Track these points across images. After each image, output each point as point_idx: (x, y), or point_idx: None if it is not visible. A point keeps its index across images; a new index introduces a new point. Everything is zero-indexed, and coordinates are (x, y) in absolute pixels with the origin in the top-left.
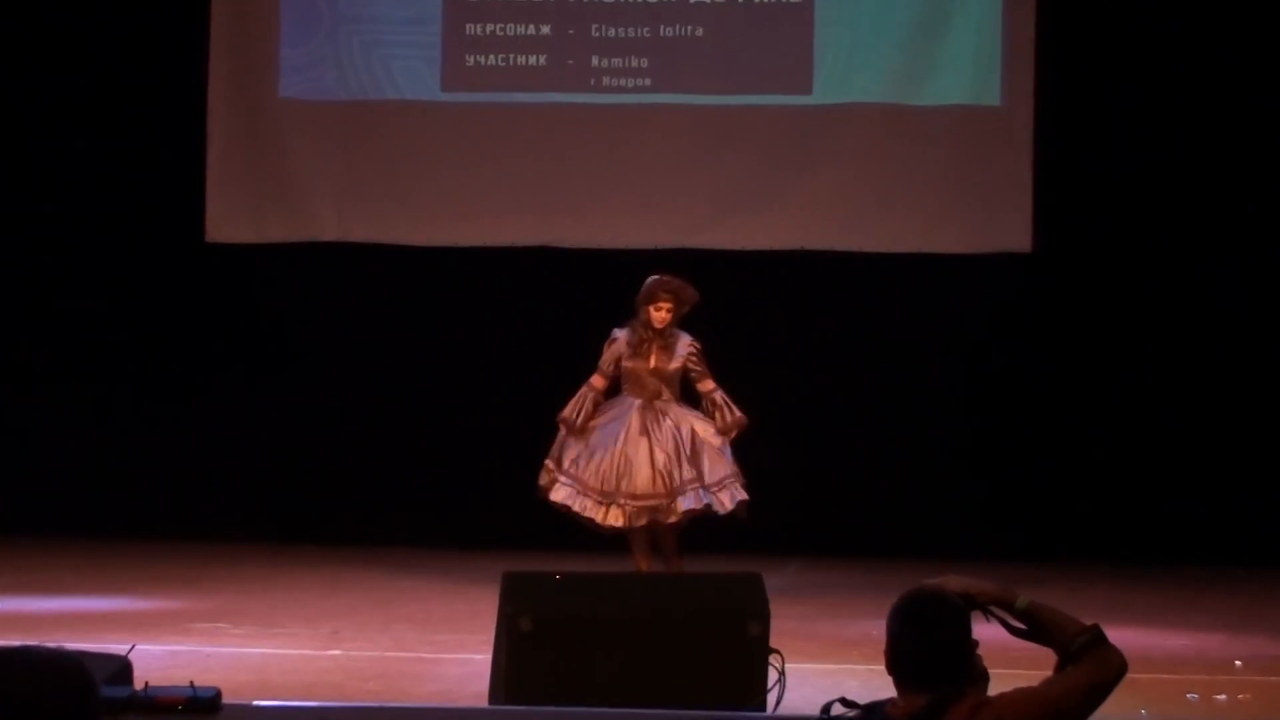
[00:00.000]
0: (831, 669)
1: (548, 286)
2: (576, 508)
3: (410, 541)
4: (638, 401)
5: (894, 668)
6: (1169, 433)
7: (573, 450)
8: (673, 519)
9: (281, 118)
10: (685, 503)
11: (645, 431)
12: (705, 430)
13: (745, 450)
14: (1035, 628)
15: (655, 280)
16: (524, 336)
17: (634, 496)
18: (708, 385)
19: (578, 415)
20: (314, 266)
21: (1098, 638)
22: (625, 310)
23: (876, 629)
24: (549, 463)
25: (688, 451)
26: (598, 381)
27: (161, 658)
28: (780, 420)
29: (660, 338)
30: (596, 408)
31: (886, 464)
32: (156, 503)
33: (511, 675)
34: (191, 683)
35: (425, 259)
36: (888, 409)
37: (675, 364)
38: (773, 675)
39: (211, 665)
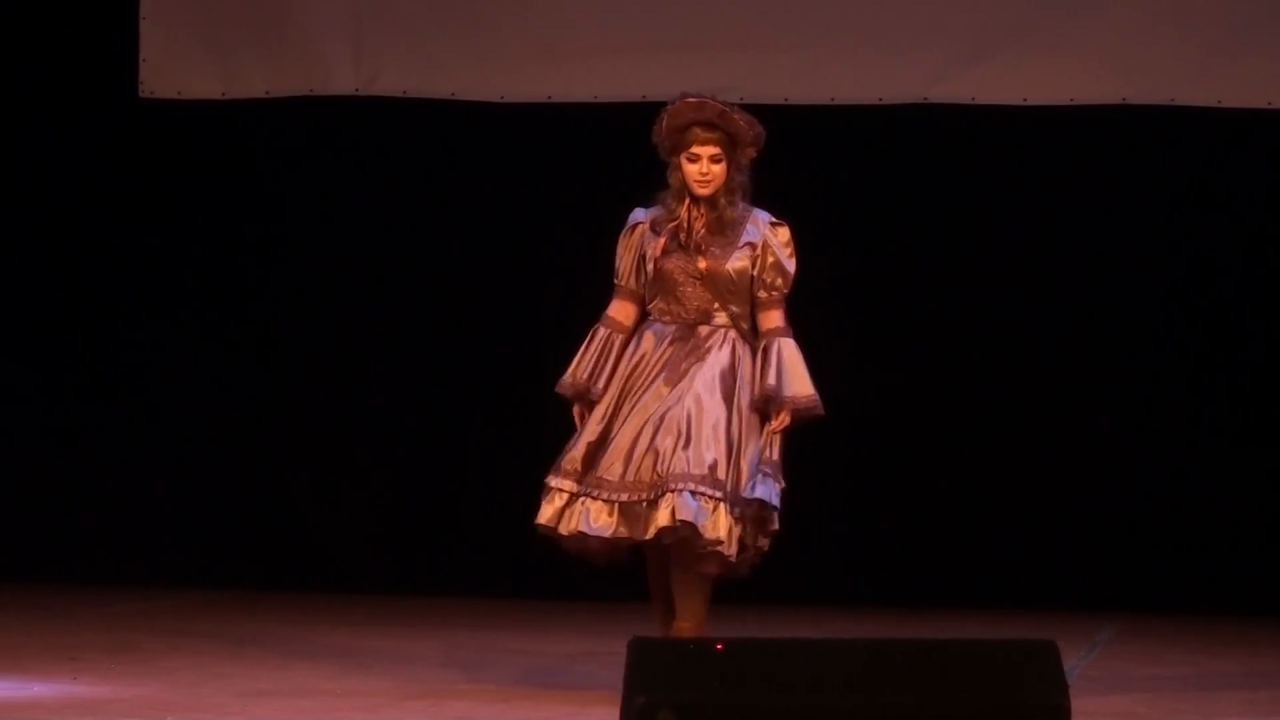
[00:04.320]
0: None
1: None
2: (612, 530)
3: (470, 588)
4: (669, 332)
5: None
6: None
7: (585, 439)
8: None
9: None
10: (683, 509)
11: (676, 381)
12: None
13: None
14: None
15: (684, 101)
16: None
17: (620, 486)
18: (774, 320)
19: (590, 373)
20: (316, 135)
21: None
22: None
23: None
24: (552, 479)
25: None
26: (619, 310)
27: None
28: (1066, 381)
29: (711, 210)
30: (622, 353)
31: (1246, 464)
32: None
33: None
34: None
35: (491, 120)
36: (1247, 376)
37: (739, 261)
38: None
39: None
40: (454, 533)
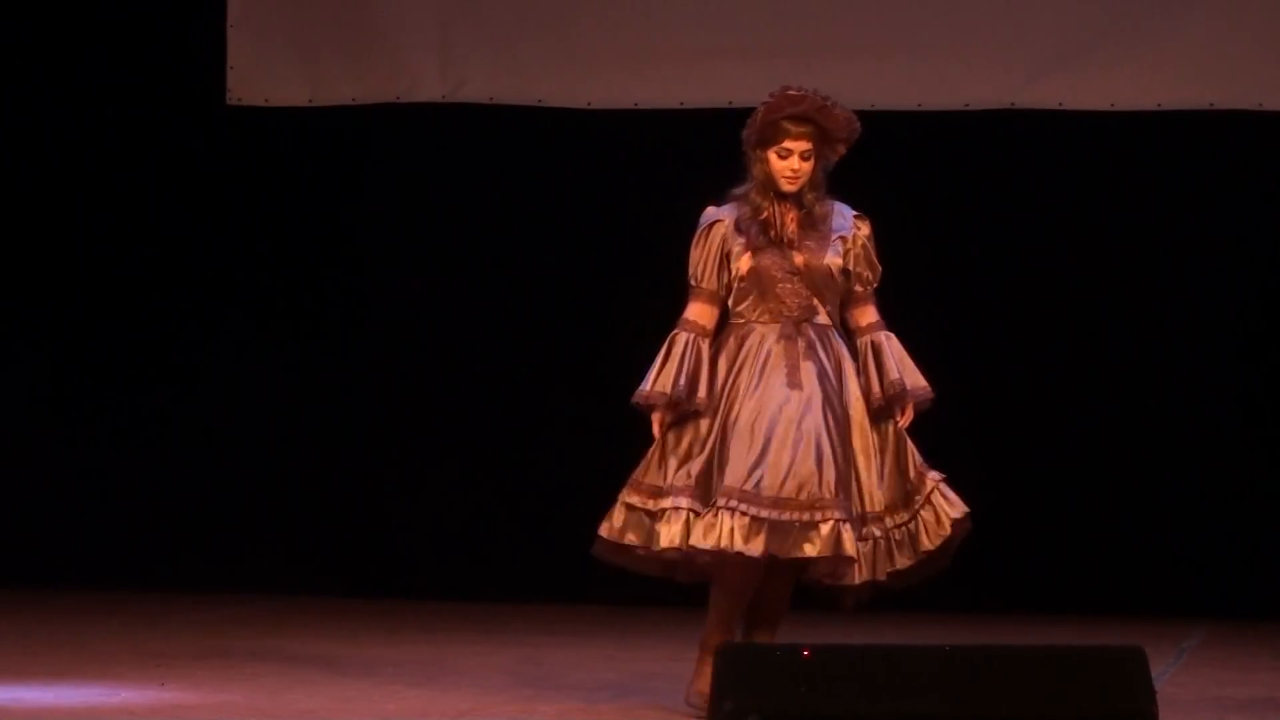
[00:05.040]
0: None
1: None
2: (711, 541)
3: (560, 593)
4: (773, 332)
5: None
6: None
7: (677, 451)
8: (817, 552)
9: None
10: (849, 543)
11: (799, 383)
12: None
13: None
14: None
15: (784, 94)
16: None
17: (772, 502)
18: (871, 314)
19: (682, 381)
20: (400, 142)
21: None
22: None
23: None
24: (628, 494)
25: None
26: (700, 313)
27: None
28: (1159, 386)
29: (798, 206)
30: (713, 358)
31: None
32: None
33: None
34: None
35: (580, 127)
36: None
37: (835, 256)
38: None
39: None
40: (536, 539)
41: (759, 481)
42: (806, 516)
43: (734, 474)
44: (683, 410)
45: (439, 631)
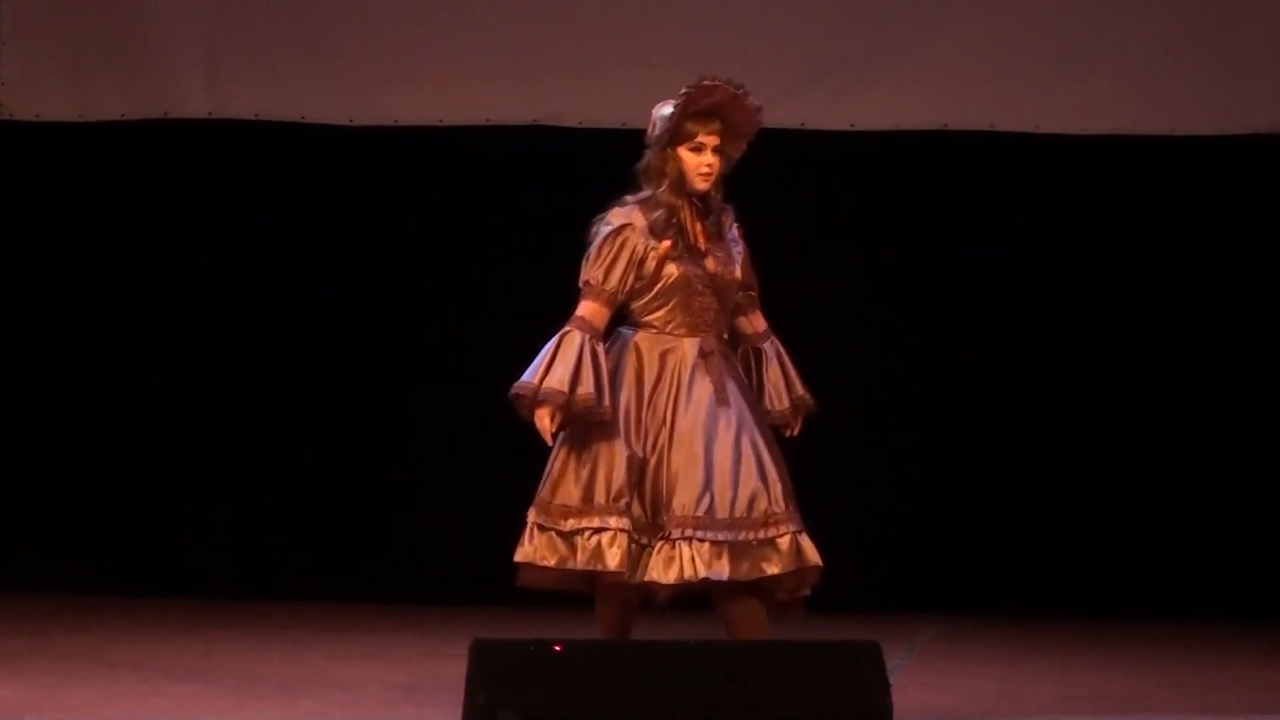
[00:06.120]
0: None
1: (533, 179)
2: (673, 576)
3: (329, 592)
4: (692, 347)
5: None
6: None
7: (589, 466)
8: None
9: None
10: (814, 552)
11: (726, 399)
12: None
13: (820, 453)
14: None
15: (695, 88)
16: (495, 260)
17: (727, 524)
18: (761, 320)
19: (585, 386)
20: (168, 157)
21: None
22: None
23: None
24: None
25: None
26: (596, 314)
27: None
28: (893, 404)
29: (708, 212)
30: (611, 364)
31: (1067, 477)
32: None
33: None
34: None
35: (345, 143)
36: (1066, 384)
37: (737, 269)
38: None
39: None
40: (307, 538)
41: (709, 506)
42: (762, 534)
43: (682, 503)
44: (582, 416)
45: (209, 630)
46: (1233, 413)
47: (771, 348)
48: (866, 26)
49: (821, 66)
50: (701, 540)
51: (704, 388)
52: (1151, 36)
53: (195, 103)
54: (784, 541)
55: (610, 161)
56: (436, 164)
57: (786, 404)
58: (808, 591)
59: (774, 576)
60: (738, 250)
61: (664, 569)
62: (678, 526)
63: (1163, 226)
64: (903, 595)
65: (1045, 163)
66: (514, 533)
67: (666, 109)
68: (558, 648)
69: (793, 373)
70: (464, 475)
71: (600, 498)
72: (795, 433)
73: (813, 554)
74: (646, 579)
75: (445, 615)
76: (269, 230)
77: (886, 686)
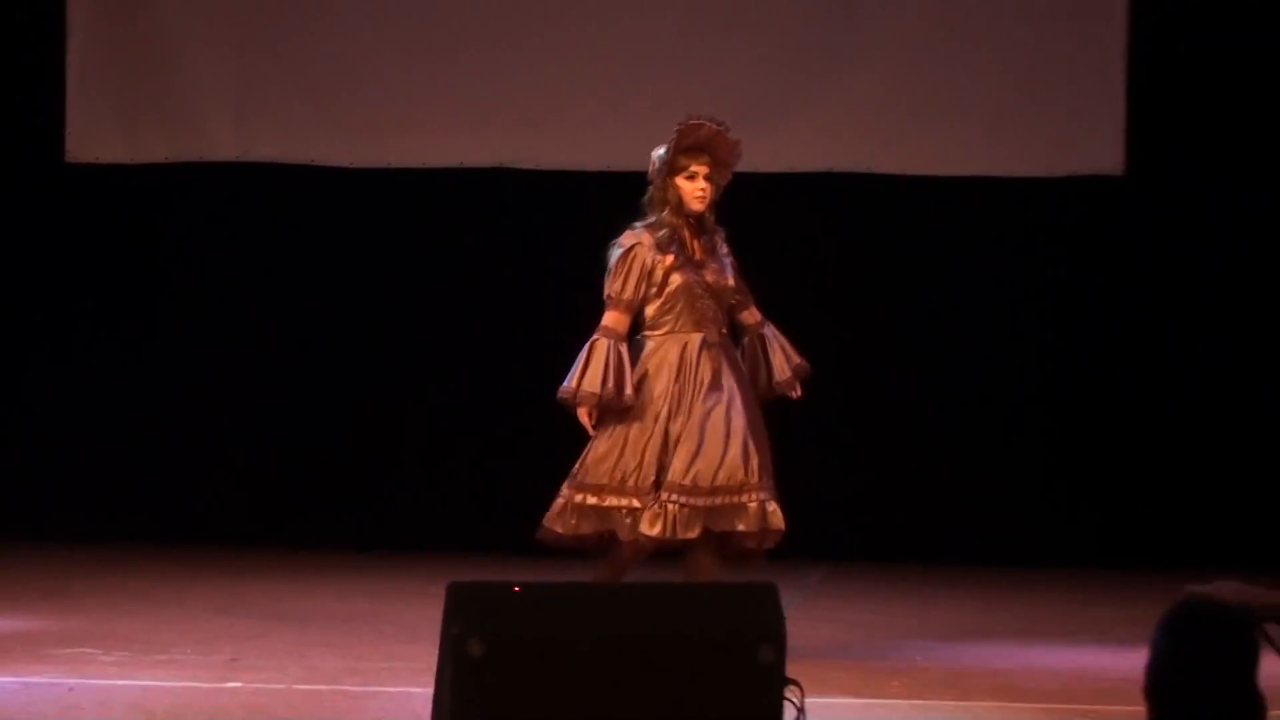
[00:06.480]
0: (865, 704)
1: (504, 217)
2: (657, 530)
3: (332, 542)
4: (697, 341)
5: (1155, 694)
6: None
7: (605, 444)
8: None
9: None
10: (780, 516)
11: (722, 385)
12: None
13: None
14: None
15: (684, 126)
16: (477, 283)
17: (708, 491)
18: (756, 313)
19: (611, 380)
20: (203, 194)
21: None
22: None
23: (922, 654)
24: (569, 489)
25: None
26: (618, 322)
27: (13, 693)
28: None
29: (703, 232)
30: (631, 362)
31: (935, 445)
32: (3, 497)
33: (458, 713)
34: None
35: (350, 184)
36: (936, 377)
37: (731, 278)
38: (789, 713)
39: (77, 701)
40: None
41: (695, 475)
42: (736, 499)
43: (674, 471)
44: (610, 407)
45: (237, 573)
46: (1072, 401)
47: (770, 332)
48: (763, 78)
49: (729, 115)
50: (683, 505)
51: (707, 377)
52: (994, 88)
53: (225, 147)
54: (753, 506)
55: (566, 201)
56: (424, 203)
57: (789, 373)
58: (771, 545)
59: (740, 533)
60: (729, 263)
61: (649, 524)
62: (666, 490)
63: (1008, 260)
64: (796, 542)
65: (914, 202)
66: (504, 498)
67: (661, 149)
68: (516, 589)
69: (789, 347)
70: (456, 457)
71: (631, 481)
72: (799, 394)
73: (776, 520)
74: (639, 532)
75: (438, 562)
76: (282, 253)
77: (782, 619)
